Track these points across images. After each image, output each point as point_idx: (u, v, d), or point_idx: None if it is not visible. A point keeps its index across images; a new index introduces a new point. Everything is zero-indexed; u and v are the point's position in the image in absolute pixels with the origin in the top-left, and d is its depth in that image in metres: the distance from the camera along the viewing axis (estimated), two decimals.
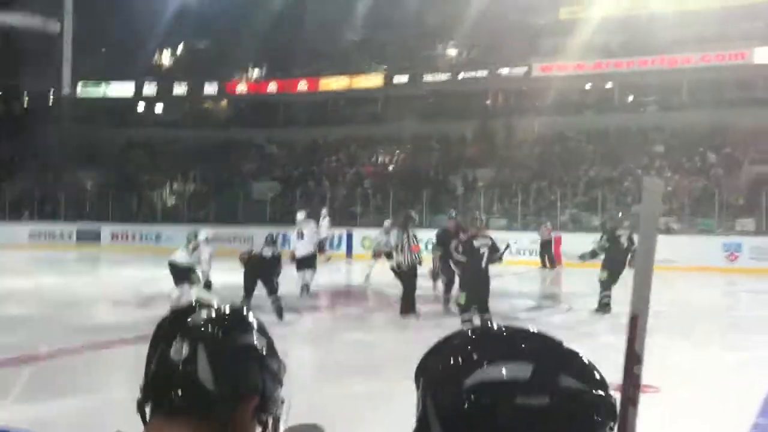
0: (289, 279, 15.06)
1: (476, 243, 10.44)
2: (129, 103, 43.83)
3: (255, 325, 1.35)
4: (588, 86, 36.34)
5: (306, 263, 15.36)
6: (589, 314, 12.89)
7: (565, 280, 20.00)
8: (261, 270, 12.12)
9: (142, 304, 14.36)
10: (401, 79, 38.65)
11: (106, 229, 30.65)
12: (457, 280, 11.74)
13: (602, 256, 13.20)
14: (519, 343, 0.99)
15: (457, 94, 38.00)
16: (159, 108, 44.82)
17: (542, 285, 18.82)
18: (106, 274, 20.51)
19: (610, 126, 32.74)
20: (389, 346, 10.90)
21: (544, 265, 22.26)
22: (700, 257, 21.09)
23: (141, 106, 44.78)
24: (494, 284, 11.92)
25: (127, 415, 1.35)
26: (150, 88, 43.55)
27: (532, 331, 1.03)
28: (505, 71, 36.55)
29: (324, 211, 19.29)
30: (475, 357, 0.96)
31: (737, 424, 6.53)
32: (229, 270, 16.27)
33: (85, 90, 43.67)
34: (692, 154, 29.46)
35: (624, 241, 12.90)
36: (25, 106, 44.92)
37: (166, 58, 46.89)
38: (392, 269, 13.03)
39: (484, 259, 10.38)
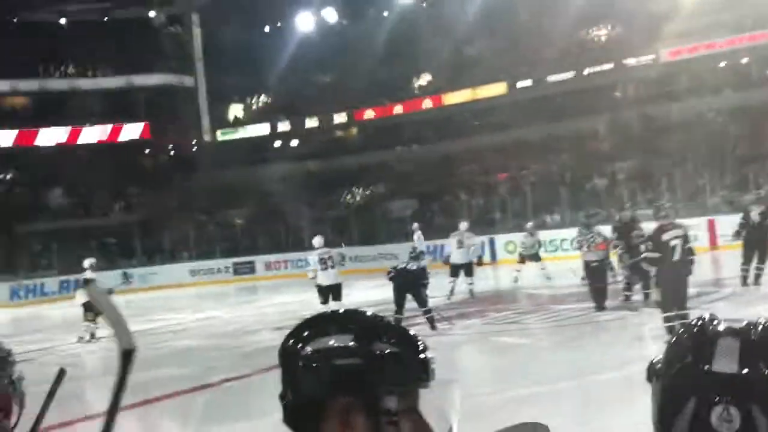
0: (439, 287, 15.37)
1: (666, 236, 9.51)
2: (265, 142, 45.73)
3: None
4: (723, 64, 34.65)
5: (465, 270, 16.88)
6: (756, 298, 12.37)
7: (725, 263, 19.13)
8: (409, 283, 12.39)
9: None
10: (525, 83, 38.30)
11: (260, 260, 32.13)
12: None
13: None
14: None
15: (583, 90, 37.24)
16: (294, 143, 46.48)
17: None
18: (265, 303, 21.49)
19: (752, 102, 31.04)
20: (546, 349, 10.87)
21: None
22: None
23: (277, 143, 46.60)
24: None
25: None
26: (284, 125, 45.33)
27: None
28: (631, 61, 35.48)
29: (466, 224, 19.49)
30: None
31: None
32: (377, 287, 16.74)
33: (224, 135, 46.15)
34: None
35: (755, 217, 13.75)
36: (171, 154, 47.68)
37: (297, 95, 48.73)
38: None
39: (677, 253, 9.42)
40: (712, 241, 22.24)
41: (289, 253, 31.86)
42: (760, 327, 1.10)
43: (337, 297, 14.18)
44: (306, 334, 1.26)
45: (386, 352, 1.22)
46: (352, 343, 1.22)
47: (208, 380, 10.28)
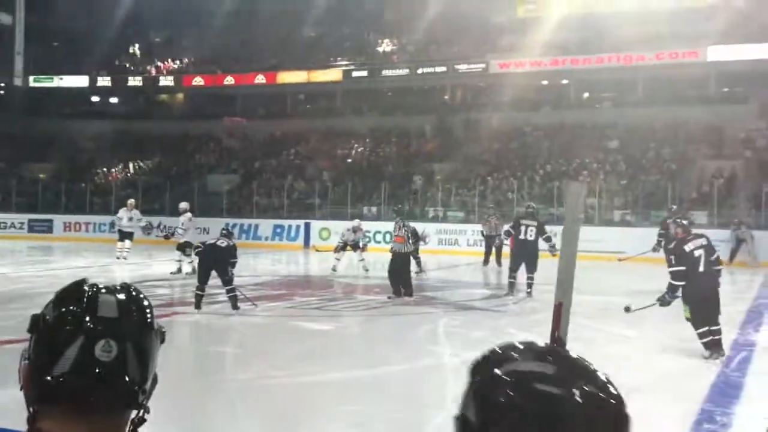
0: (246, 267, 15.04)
1: (688, 246, 8.72)
2: (83, 95, 43.09)
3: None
4: (545, 83, 36.69)
5: None
6: (544, 304, 13.05)
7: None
8: (216, 260, 12.00)
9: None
10: (360, 73, 38.64)
11: (59, 220, 30.15)
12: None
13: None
14: (551, 354, 1.11)
15: (415, 89, 38.21)
16: (114, 100, 44.15)
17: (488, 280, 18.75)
18: (59, 265, 20.13)
19: (566, 122, 33.13)
20: (343, 336, 10.90)
21: (486, 261, 20.58)
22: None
23: (95, 99, 44.07)
24: (448, 274, 11.98)
25: None
26: (104, 81, 42.85)
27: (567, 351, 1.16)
28: (463, 67, 36.73)
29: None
30: (511, 357, 1.11)
31: (685, 410, 6.66)
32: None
33: (37, 81, 42.89)
34: (646, 149, 29.95)
35: (524, 231, 14.64)
36: None
37: (121, 51, 46.19)
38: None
39: (702, 264, 8.60)
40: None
41: (93, 215, 30.16)
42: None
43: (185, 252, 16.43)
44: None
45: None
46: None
47: None
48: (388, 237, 21.60)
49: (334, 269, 17.91)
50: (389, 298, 13.55)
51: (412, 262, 18.17)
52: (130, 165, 37.12)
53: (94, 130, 39.15)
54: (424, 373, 7.87)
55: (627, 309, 9.35)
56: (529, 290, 14.34)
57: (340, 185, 30.90)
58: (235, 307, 11.73)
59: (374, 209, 29.17)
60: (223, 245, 11.98)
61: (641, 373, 8.09)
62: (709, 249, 8.70)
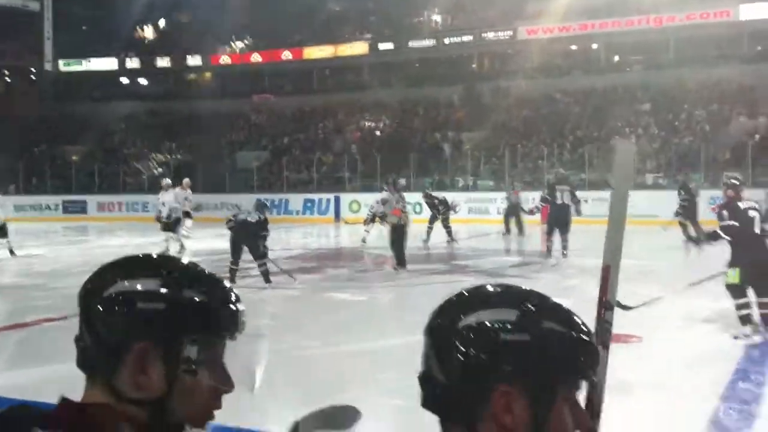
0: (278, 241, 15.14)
1: (742, 205, 8.11)
2: (112, 77, 43.44)
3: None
4: (574, 47, 36.17)
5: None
6: (576, 271, 12.98)
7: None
8: (247, 234, 12.05)
9: None
10: (386, 46, 38.41)
11: (93, 200, 30.56)
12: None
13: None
14: (507, 294, 1.15)
15: (442, 59, 37.90)
16: (143, 81, 44.45)
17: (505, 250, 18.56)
18: (94, 244, 20.45)
19: (597, 86, 32.68)
20: (375, 306, 10.95)
21: (508, 231, 20.05)
22: None
23: (124, 80, 44.40)
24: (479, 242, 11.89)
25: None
26: (133, 62, 43.13)
27: (520, 287, 1.18)
28: (490, 35, 36.34)
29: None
30: (468, 305, 1.12)
31: (720, 369, 6.61)
32: (218, 236, 16.36)
33: (67, 65, 43.31)
34: (678, 111, 29.46)
35: (560, 196, 15.02)
36: (8, 81, 44.46)
37: (148, 32, 46.40)
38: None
39: (757, 225, 7.98)
40: (544, 215, 23.19)
41: (126, 195, 30.53)
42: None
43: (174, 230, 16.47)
44: (110, 276, 1.19)
45: (194, 299, 1.17)
46: (158, 288, 1.16)
47: (25, 319, 9.66)
48: (418, 208, 21.57)
49: (363, 241, 17.96)
50: (394, 269, 13.36)
51: (443, 231, 18.24)
52: (162, 145, 37.42)
53: (125, 111, 39.50)
54: None
55: (625, 307, 8.35)
56: (565, 252, 14.73)
57: (369, 158, 30.88)
58: (267, 281, 11.81)
59: (403, 180, 29.09)
60: (254, 220, 12.01)
61: (675, 335, 8.04)
62: (763, 214, 8.10)
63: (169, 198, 17.03)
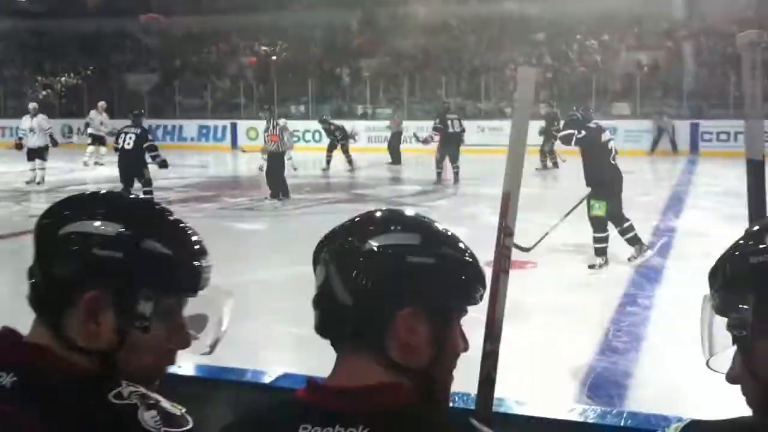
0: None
1: (604, 137, 8.32)
2: None
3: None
4: None
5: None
6: (473, 198, 13.25)
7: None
8: (127, 164, 11.81)
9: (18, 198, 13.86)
10: None
11: None
12: None
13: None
14: (407, 219, 1.19)
15: None
16: None
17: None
18: None
19: (493, 14, 32.76)
20: (274, 234, 10.90)
21: (395, 161, 20.18)
22: None
23: None
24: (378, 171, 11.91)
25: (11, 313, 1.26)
26: None
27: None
28: None
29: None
30: (372, 228, 1.14)
31: (609, 294, 6.95)
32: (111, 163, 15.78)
33: None
34: (571, 41, 30.02)
35: (451, 124, 15.59)
36: None
37: None
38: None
39: (613, 156, 8.25)
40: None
41: (7, 119, 28.91)
42: None
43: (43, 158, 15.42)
44: (69, 212, 1.13)
45: (156, 251, 1.10)
46: (119, 234, 1.09)
47: None
48: (317, 136, 21.41)
49: (261, 169, 17.62)
50: (266, 199, 13.28)
51: (344, 159, 18.20)
52: (45, 66, 35.40)
53: (4, 29, 36.95)
54: None
55: (522, 248, 7.08)
56: (457, 179, 15.42)
57: (265, 84, 30.21)
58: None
59: (302, 108, 28.73)
60: (129, 146, 11.63)
61: (568, 258, 8.36)
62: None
63: (34, 124, 15.75)
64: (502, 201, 1.65)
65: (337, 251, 1.13)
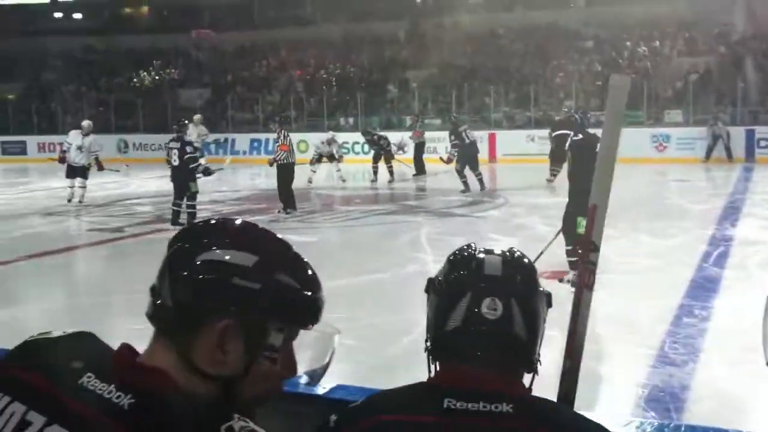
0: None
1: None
2: (44, 11, 41.66)
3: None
4: None
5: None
6: (524, 209, 13.19)
7: (502, 176, 20.21)
8: (177, 174, 12.05)
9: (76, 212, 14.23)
10: None
11: (32, 141, 29.69)
12: None
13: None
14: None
15: None
16: (77, 16, 42.77)
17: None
18: (36, 186, 19.98)
19: (540, 22, 32.60)
20: (325, 246, 11.02)
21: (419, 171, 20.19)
22: (630, 149, 21.50)
23: (58, 15, 42.65)
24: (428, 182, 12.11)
25: (65, 322, 1.31)
26: None
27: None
28: None
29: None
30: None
31: (665, 305, 6.84)
32: (157, 177, 16.06)
33: None
34: (621, 48, 29.68)
35: (465, 136, 16.09)
36: None
37: None
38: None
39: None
40: (492, 155, 23.44)
41: (65, 135, 29.69)
42: (515, 253, 1.45)
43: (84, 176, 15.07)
44: (206, 239, 1.16)
45: (287, 284, 1.15)
46: (255, 264, 1.13)
47: None
48: (366, 147, 21.50)
49: (310, 181, 17.78)
50: (278, 212, 13.23)
51: (384, 172, 18.37)
52: (100, 83, 36.27)
53: (60, 47, 38.02)
54: (408, 280, 7.86)
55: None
56: (483, 186, 16.02)
57: (314, 96, 30.50)
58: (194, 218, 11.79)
59: (351, 120, 28.92)
60: (176, 163, 11.85)
61: (618, 273, 8.27)
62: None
63: (85, 143, 15.31)
64: (589, 215, 1.66)
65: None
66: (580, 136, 8.07)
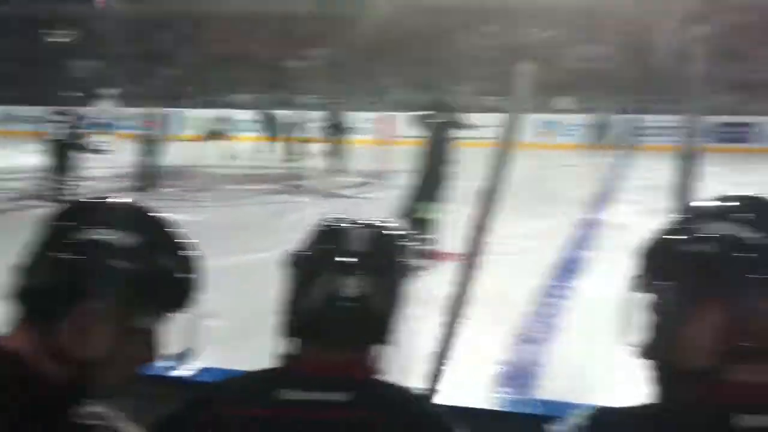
0: None
1: None
2: None
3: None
4: None
5: None
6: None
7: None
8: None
9: None
10: None
11: None
12: None
13: None
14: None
15: None
16: None
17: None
18: None
19: (442, 5, 32.66)
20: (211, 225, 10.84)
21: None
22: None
23: None
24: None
25: None
26: None
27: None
28: None
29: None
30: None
31: (531, 285, 7.07)
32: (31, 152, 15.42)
33: None
34: (521, 34, 30.11)
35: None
36: None
37: None
38: None
39: None
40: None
41: None
42: (379, 226, 1.44)
43: None
44: (81, 220, 1.11)
45: (166, 269, 1.12)
46: (129, 247, 1.09)
47: None
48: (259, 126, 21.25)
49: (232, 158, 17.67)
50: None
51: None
52: None
53: None
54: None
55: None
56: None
57: (211, 73, 29.88)
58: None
59: (247, 97, 28.53)
60: (58, 136, 11.55)
61: (494, 254, 8.43)
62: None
63: None
64: (478, 196, 1.67)
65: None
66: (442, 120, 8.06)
